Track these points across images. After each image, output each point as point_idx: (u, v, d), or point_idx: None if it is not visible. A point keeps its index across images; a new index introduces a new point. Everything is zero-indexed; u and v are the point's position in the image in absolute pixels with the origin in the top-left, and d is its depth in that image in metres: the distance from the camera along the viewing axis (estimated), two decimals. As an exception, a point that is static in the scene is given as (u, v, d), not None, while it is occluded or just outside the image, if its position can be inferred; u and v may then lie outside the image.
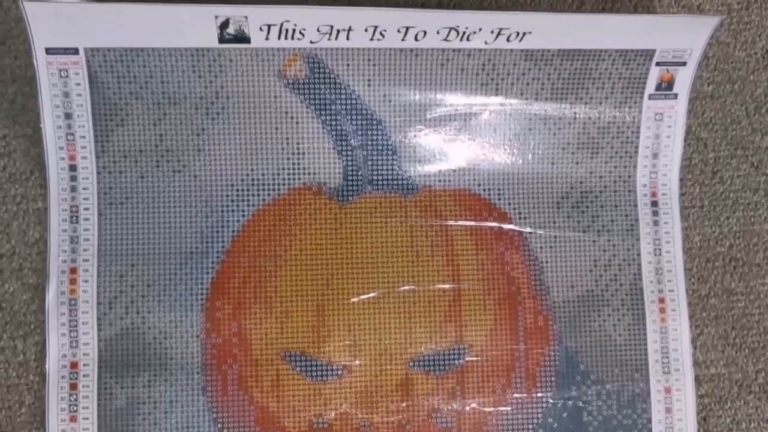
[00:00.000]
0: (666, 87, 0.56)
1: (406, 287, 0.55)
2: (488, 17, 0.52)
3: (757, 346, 0.57)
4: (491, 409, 0.55)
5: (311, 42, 0.52)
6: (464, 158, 0.56)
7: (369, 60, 0.54)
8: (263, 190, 0.55)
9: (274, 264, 0.55)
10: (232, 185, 0.55)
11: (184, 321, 0.54)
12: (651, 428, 0.56)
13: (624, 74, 0.56)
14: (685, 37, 0.54)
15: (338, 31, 0.52)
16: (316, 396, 0.54)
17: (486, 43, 0.53)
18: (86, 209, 0.54)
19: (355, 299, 0.55)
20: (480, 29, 0.52)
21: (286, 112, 0.55)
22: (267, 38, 0.52)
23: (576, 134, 0.57)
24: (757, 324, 0.57)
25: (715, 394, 0.57)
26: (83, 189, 0.54)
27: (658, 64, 0.55)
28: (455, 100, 0.55)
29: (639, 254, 0.57)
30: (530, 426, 0.55)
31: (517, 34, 0.53)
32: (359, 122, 0.55)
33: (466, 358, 0.55)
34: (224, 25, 0.51)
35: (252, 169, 0.55)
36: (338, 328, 0.54)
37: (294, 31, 0.52)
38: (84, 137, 0.53)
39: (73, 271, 0.53)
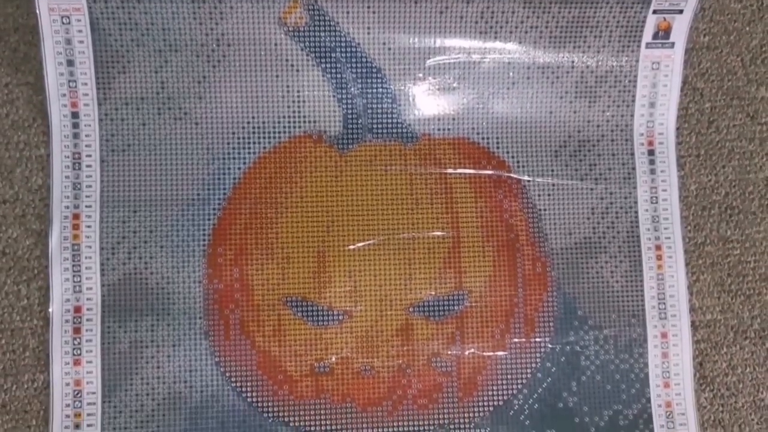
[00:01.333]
0: (663, 35, 0.57)
1: (406, 234, 0.56)
2: (487, -37, 0.53)
3: (752, 292, 0.58)
4: (490, 353, 0.56)
5: (311, -12, 0.53)
6: (463, 106, 0.57)
7: (369, 8, 0.54)
8: (264, 137, 0.55)
9: (275, 211, 0.55)
10: (234, 133, 0.55)
11: (186, 266, 0.54)
12: (648, 372, 0.56)
13: (621, 22, 0.56)
14: (681, -15, 0.55)
15: (338, -24, 0.52)
16: (317, 341, 0.55)
17: (485, -11, 0.54)
18: (88, 156, 0.54)
19: (355, 246, 0.55)
20: (479, -25, 0.53)
21: (287, 60, 0.55)
22: (267, -16, 0.52)
23: (574, 83, 0.57)
24: (753, 271, 0.58)
25: (711, 339, 0.57)
26: (85, 136, 0.54)
27: (655, 11, 0.56)
28: (454, 48, 0.56)
29: (636, 202, 0.58)
30: (529, 370, 0.56)
31: (516, -20, 0.53)
32: (359, 70, 0.56)
33: (466, 304, 0.56)
34: (225, -30, 0.52)
35: (253, 117, 0.55)
36: (339, 274, 0.55)
37: (294, -24, 0.52)
38: (86, 84, 0.54)
39: (76, 216, 0.54)
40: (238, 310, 0.54)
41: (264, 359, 0.54)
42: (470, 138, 0.57)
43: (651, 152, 0.58)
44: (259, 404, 0.54)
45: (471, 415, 0.55)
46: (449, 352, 0.55)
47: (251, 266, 0.55)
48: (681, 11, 0.56)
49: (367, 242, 0.55)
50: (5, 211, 0.54)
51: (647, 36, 0.57)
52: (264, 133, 0.55)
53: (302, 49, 0.55)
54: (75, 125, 0.54)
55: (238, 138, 0.55)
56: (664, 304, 0.57)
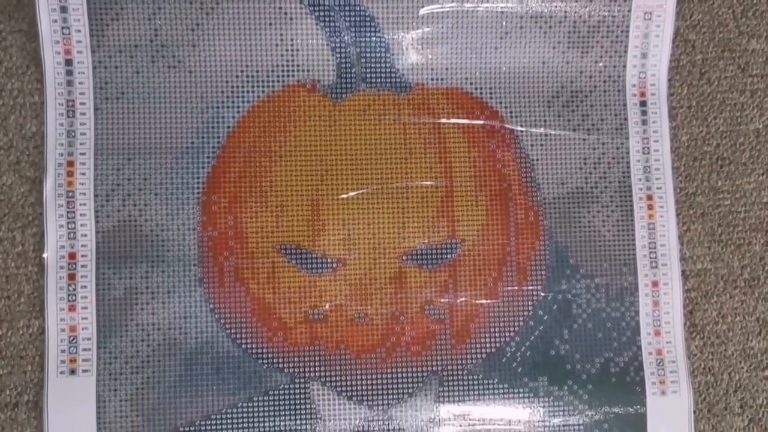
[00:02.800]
0: (655, -15, 0.57)
1: (399, 183, 0.56)
2: None
3: (742, 242, 0.58)
4: (483, 301, 0.56)
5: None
6: (456, 56, 0.57)
7: (362, -44, 0.55)
8: (258, 86, 0.56)
9: (269, 159, 0.55)
10: (227, 81, 0.55)
11: (180, 214, 0.55)
12: (638, 321, 0.57)
13: (614, -29, 0.56)
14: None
15: None
16: (311, 288, 0.55)
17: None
18: (82, 104, 0.54)
19: (348, 195, 0.56)
20: None
21: (280, 8, 0.55)
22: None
23: (566, 33, 0.57)
24: (743, 221, 0.59)
25: (702, 288, 0.58)
26: (79, 83, 0.54)
27: (647, -39, 0.56)
28: (447, -3, 0.56)
29: (628, 153, 0.58)
30: (521, 318, 0.56)
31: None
32: (352, 19, 0.56)
33: (458, 253, 0.56)
34: None
35: (246, 66, 0.55)
36: (332, 222, 0.55)
37: None
38: (79, 31, 0.54)
39: (70, 164, 0.54)
40: (232, 257, 0.55)
41: (258, 306, 0.55)
42: (463, 88, 0.57)
43: (643, 103, 0.58)
44: (254, 351, 0.54)
45: (464, 362, 0.56)
46: (442, 300, 0.56)
47: (245, 214, 0.55)
48: (673, -39, 0.56)
49: (361, 191, 0.56)
50: (0, 159, 0.54)
51: (639, -14, 0.57)
52: (258, 82, 0.56)
53: (296, -2, 0.55)
54: (69, 72, 0.54)
55: (232, 87, 0.55)
56: (655, 253, 0.57)
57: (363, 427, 0.54)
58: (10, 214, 0.54)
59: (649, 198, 0.58)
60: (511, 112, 0.57)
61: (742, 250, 0.58)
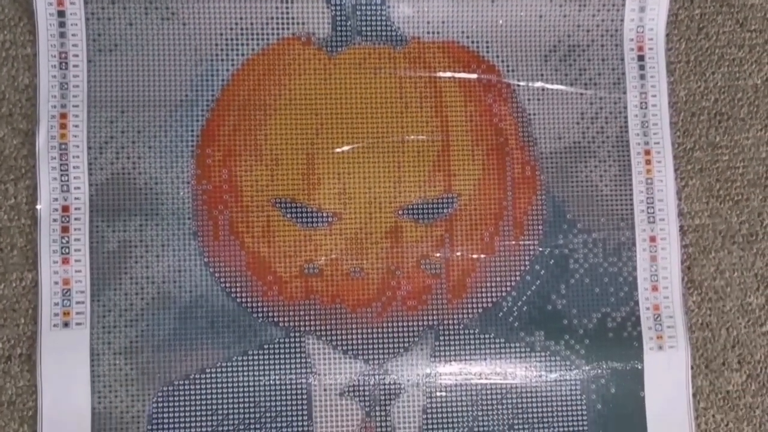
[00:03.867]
0: (653, -62, 0.57)
1: (395, 138, 0.55)
2: None
3: (740, 198, 0.58)
4: (479, 256, 0.56)
5: None
6: (453, 10, 0.56)
7: None
8: (252, 39, 0.55)
9: (264, 113, 0.55)
10: (221, 34, 0.55)
11: (174, 167, 0.54)
12: (636, 276, 0.57)
13: None
14: None
15: None
16: (306, 242, 0.55)
17: None
18: (75, 56, 0.54)
19: (344, 148, 0.55)
20: None
21: (275, -40, 0.55)
22: None
23: (563, -14, 0.57)
24: (741, 177, 0.58)
25: (700, 244, 0.58)
26: (72, 35, 0.54)
27: None
28: (443, -51, 0.56)
29: (625, 107, 0.58)
30: (518, 273, 0.56)
31: None
32: (348, -30, 0.55)
33: (455, 207, 0.56)
34: None
35: (241, 18, 0.55)
36: (328, 176, 0.55)
37: None
38: (72, -18, 0.53)
39: (63, 116, 0.53)
40: (227, 211, 0.54)
41: (253, 260, 0.54)
42: (460, 42, 0.57)
43: (641, 58, 0.58)
44: (249, 305, 0.54)
45: (460, 316, 0.55)
46: (438, 255, 0.55)
47: (240, 167, 0.55)
48: None
49: (356, 145, 0.55)
50: (-8, 111, 0.53)
51: (637, -62, 0.56)
52: (252, 34, 0.55)
53: (290, -51, 0.55)
54: (61, 24, 0.53)
55: (227, 39, 0.55)
56: (653, 208, 0.57)
57: (359, 381, 0.54)
58: (3, 166, 0.53)
59: (647, 153, 0.58)
60: (507, 66, 0.57)
61: (740, 205, 0.58)
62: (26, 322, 0.53)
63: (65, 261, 0.53)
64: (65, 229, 0.53)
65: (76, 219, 0.53)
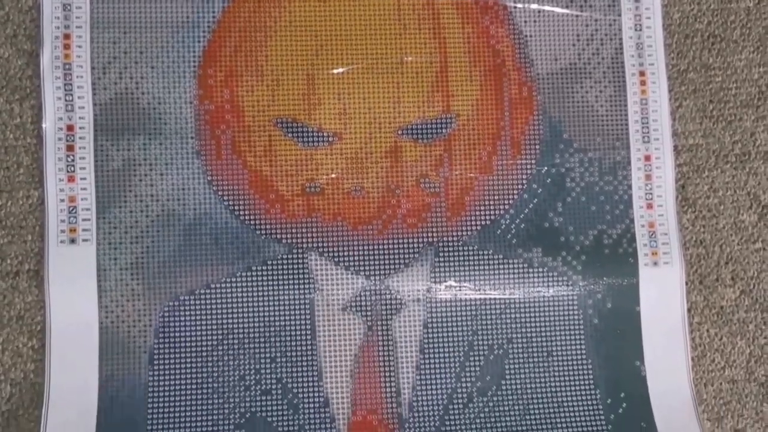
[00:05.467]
0: None
1: (394, 58, 0.56)
2: None
3: (733, 118, 0.59)
4: (477, 175, 0.57)
5: None
6: (450, -68, 0.57)
7: None
8: (252, -39, 0.56)
9: (264, 34, 0.56)
10: (222, -44, 0.56)
11: (177, 87, 0.55)
12: (631, 194, 0.58)
13: None
14: None
15: None
16: (307, 161, 0.56)
17: None
18: (78, -23, 0.54)
19: (343, 69, 0.56)
20: None
21: None
22: None
23: None
24: (734, 97, 0.59)
25: (693, 163, 0.59)
26: (74, -43, 0.54)
27: None
28: None
29: (620, 29, 0.59)
30: (515, 191, 0.57)
31: None
32: None
33: (453, 127, 0.57)
34: None
35: (241, -60, 0.56)
36: (328, 96, 0.56)
37: None
38: None
39: (67, 37, 0.54)
40: (229, 130, 0.55)
41: (255, 178, 0.55)
42: (457, -36, 0.58)
43: (635, -20, 0.59)
44: (252, 222, 0.55)
45: (459, 233, 0.56)
46: (437, 174, 0.56)
47: (241, 88, 0.55)
48: None
49: (355, 66, 0.56)
50: (-4, 32, 0.54)
51: None
52: (252, -43, 0.56)
53: None
54: (63, -54, 0.54)
55: (227, -38, 0.56)
56: (648, 128, 0.58)
57: (360, 296, 0.55)
58: (8, 86, 0.54)
59: (642, 74, 0.58)
60: (504, -11, 0.58)
61: (733, 126, 0.59)
62: (33, 238, 0.53)
63: (71, 179, 0.54)
64: (70, 148, 0.54)
65: (81, 138, 0.54)
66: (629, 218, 0.58)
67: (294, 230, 0.55)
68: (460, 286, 0.56)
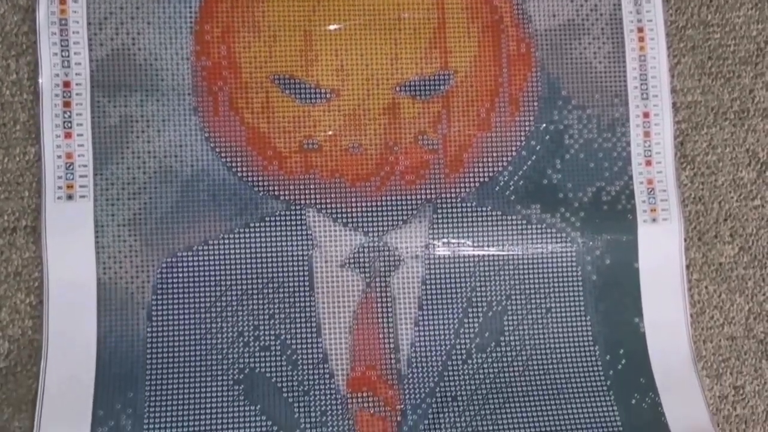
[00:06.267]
0: None
1: (391, 15, 0.56)
2: None
3: (732, 75, 0.59)
4: (476, 132, 0.57)
5: None
6: None
7: None
8: None
9: (261, -10, 0.56)
10: None
11: (173, 43, 0.55)
12: (630, 151, 0.58)
13: None
14: None
15: None
16: (305, 118, 0.55)
17: None
18: (73, -67, 0.54)
19: (340, 25, 0.56)
20: None
21: None
22: None
23: None
24: (732, 54, 0.59)
25: (692, 120, 0.59)
26: None
27: None
28: None
29: (618, -14, 0.58)
30: (514, 148, 0.57)
31: None
32: None
33: (451, 84, 0.57)
34: None
35: None
36: (325, 53, 0.56)
37: None
38: None
39: (63, -8, 0.54)
40: (226, 87, 0.55)
41: (253, 135, 0.55)
42: None
43: (633, -64, 0.58)
44: (250, 179, 0.55)
45: (457, 190, 0.56)
46: (435, 131, 0.56)
47: (238, 44, 0.55)
48: None
49: (352, 22, 0.56)
50: (-9, -12, 0.54)
51: None
52: None
53: None
54: None
55: None
56: (646, 84, 0.58)
57: (359, 252, 0.55)
58: (4, 42, 0.54)
59: (640, 30, 0.58)
60: (502, -55, 0.58)
61: (731, 83, 0.59)
62: (30, 195, 0.53)
63: (68, 135, 0.53)
64: (67, 104, 0.53)
65: (77, 94, 0.54)
66: (628, 175, 0.57)
67: (292, 187, 0.55)
68: (458, 243, 0.56)
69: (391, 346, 0.55)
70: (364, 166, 0.56)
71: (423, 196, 0.56)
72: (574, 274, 0.57)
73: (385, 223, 0.55)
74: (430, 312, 0.55)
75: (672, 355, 0.56)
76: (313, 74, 0.55)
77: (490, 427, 0.53)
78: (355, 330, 0.55)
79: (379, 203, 0.56)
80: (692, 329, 0.57)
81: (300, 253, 0.55)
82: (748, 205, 0.58)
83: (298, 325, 0.54)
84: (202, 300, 0.54)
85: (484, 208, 0.56)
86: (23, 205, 0.53)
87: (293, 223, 0.55)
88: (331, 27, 0.56)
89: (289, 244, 0.55)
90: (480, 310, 0.56)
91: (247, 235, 0.54)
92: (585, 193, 0.57)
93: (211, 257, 0.54)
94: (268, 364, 0.53)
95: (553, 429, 0.53)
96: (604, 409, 0.54)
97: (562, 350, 0.56)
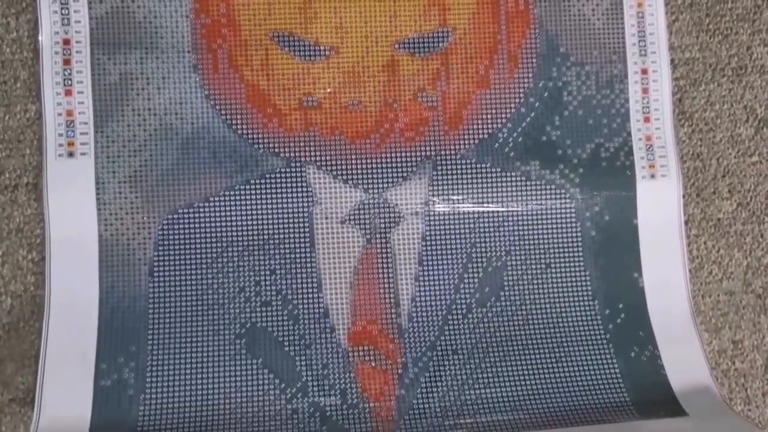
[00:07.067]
0: None
1: (390, -27, 0.56)
2: None
3: (729, 32, 0.59)
4: (475, 89, 0.57)
5: None
6: None
7: None
8: None
9: (260, -52, 0.56)
10: None
11: (173, 1, 0.55)
12: (628, 107, 0.58)
13: None
14: None
15: None
16: (305, 75, 0.56)
17: None
18: None
19: (340, -17, 0.56)
20: None
21: None
22: None
23: None
24: (730, 11, 0.59)
25: (690, 76, 0.59)
26: None
27: None
28: None
29: (616, -57, 0.59)
30: (512, 105, 0.57)
31: None
32: None
33: (450, 41, 0.57)
34: None
35: None
36: (324, 10, 0.56)
37: None
38: None
39: (61, -50, 0.54)
40: (225, 44, 0.55)
41: (253, 93, 0.55)
42: None
43: None
44: (250, 136, 0.55)
45: (457, 147, 0.56)
46: (435, 88, 0.56)
47: (237, 1, 0.55)
48: None
49: (352, -20, 0.56)
50: (-10, -54, 0.54)
51: None
52: None
53: None
54: None
55: None
56: (644, 41, 0.58)
57: (359, 209, 0.55)
58: (4, 1, 0.54)
59: (638, -13, 0.58)
60: None
61: (729, 39, 0.59)
62: (32, 152, 0.53)
63: (68, 93, 0.54)
64: (67, 62, 0.54)
65: (77, 52, 0.54)
66: (626, 131, 0.58)
67: (292, 144, 0.55)
68: (458, 199, 0.56)
69: (392, 301, 0.55)
70: (363, 123, 0.56)
71: (422, 153, 0.56)
72: (574, 229, 0.57)
73: (385, 180, 0.56)
74: (431, 268, 0.56)
75: (671, 310, 0.57)
76: (312, 32, 0.56)
77: (491, 380, 0.54)
78: (356, 285, 0.55)
79: (378, 160, 0.56)
80: (691, 284, 0.57)
81: (300, 209, 0.55)
82: (746, 161, 0.59)
83: (299, 281, 0.55)
84: (204, 256, 0.54)
85: (483, 165, 0.56)
86: (24, 162, 0.53)
87: (293, 180, 0.55)
88: (330, -16, 0.56)
89: (289, 200, 0.55)
90: (480, 265, 0.56)
91: (248, 192, 0.55)
92: (584, 149, 0.57)
93: (212, 214, 0.54)
94: (269, 319, 0.54)
95: (553, 380, 0.54)
96: (604, 361, 0.55)
97: (562, 305, 0.56)
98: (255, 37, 0.55)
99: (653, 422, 0.52)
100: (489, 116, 0.57)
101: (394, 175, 0.56)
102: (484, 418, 0.52)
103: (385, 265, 0.55)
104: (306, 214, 0.55)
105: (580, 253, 0.57)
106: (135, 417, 0.51)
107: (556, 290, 0.56)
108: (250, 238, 0.54)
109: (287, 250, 0.55)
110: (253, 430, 0.51)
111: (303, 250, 0.55)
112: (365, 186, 0.55)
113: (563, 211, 0.57)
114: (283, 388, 0.52)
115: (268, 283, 0.54)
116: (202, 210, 0.54)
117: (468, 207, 0.56)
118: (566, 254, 0.57)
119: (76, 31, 0.54)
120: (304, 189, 0.55)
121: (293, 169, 0.55)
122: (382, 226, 0.55)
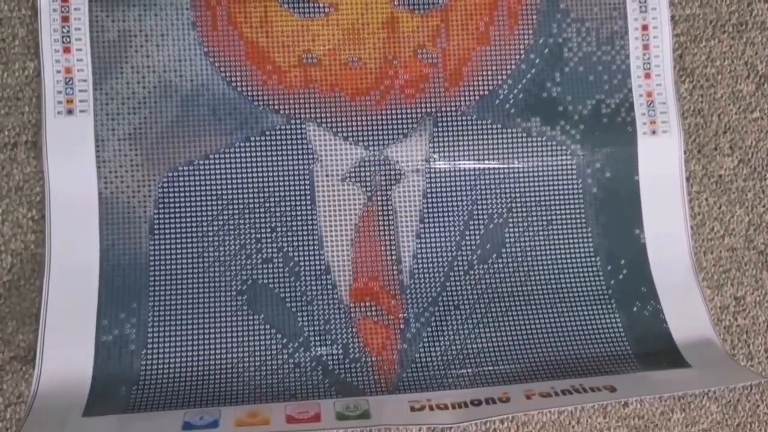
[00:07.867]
0: None
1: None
2: None
3: (730, -12, 0.59)
4: (475, 46, 0.57)
5: None
6: None
7: None
8: None
9: None
10: None
11: (171, -42, 0.55)
12: (629, 64, 0.58)
13: None
14: None
15: None
16: (304, 32, 0.55)
17: None
18: None
19: (338, -60, 0.56)
20: None
21: None
22: None
23: None
24: (731, -33, 0.59)
25: (691, 33, 0.59)
26: None
27: None
28: None
29: None
30: (513, 62, 0.57)
31: None
32: None
33: (450, -2, 0.57)
34: None
35: None
36: (323, -33, 0.55)
37: None
38: None
39: None
40: (224, 1, 0.55)
41: (252, 50, 0.55)
42: None
43: None
44: (249, 93, 0.55)
45: (457, 103, 0.56)
46: (435, 45, 0.56)
47: (236, -42, 0.55)
48: None
49: (351, -63, 0.56)
50: None
51: None
52: None
53: None
54: None
55: None
56: (645, -3, 0.58)
57: (360, 166, 0.55)
58: (0, -42, 0.54)
59: (638, -57, 0.58)
60: None
61: (730, -4, 0.59)
62: (30, 110, 0.53)
63: (66, 50, 0.53)
64: (65, 19, 0.53)
65: (75, 9, 0.53)
66: (627, 88, 0.57)
67: (292, 101, 0.55)
68: (459, 156, 0.56)
69: (393, 258, 0.55)
70: (363, 80, 0.56)
71: (423, 110, 0.56)
72: (575, 186, 0.57)
73: (386, 137, 0.55)
74: (432, 224, 0.56)
75: (673, 266, 0.57)
76: (311, -12, 0.55)
77: (494, 333, 0.54)
78: (357, 242, 0.55)
79: (379, 117, 0.56)
80: (693, 241, 0.57)
81: (301, 166, 0.55)
82: (747, 117, 0.59)
83: (300, 238, 0.54)
84: (204, 213, 0.54)
85: (484, 122, 0.56)
86: (23, 120, 0.53)
87: (294, 137, 0.55)
88: (329, -59, 0.56)
89: (289, 157, 0.55)
90: (481, 222, 0.56)
91: (248, 149, 0.54)
92: (585, 105, 0.57)
93: (213, 171, 0.54)
94: (270, 276, 0.54)
95: (555, 335, 0.54)
96: (606, 316, 0.55)
97: (564, 261, 0.56)
98: (254, -7, 0.55)
99: (656, 373, 0.52)
100: (489, 73, 0.57)
101: (395, 132, 0.56)
102: (487, 367, 0.52)
103: (385, 223, 0.55)
104: (306, 172, 0.55)
105: (582, 210, 0.57)
106: (137, 372, 0.51)
107: (557, 247, 0.56)
108: (251, 195, 0.54)
109: (288, 208, 0.54)
110: (256, 384, 0.51)
111: (304, 207, 0.55)
112: (366, 143, 0.55)
113: (564, 167, 0.57)
114: (285, 343, 0.52)
115: (268, 240, 0.54)
116: (202, 167, 0.54)
117: (469, 164, 0.56)
118: (567, 211, 0.57)
119: (74, -12, 0.54)
120: (305, 146, 0.55)
121: (293, 126, 0.55)
122: (383, 183, 0.55)
